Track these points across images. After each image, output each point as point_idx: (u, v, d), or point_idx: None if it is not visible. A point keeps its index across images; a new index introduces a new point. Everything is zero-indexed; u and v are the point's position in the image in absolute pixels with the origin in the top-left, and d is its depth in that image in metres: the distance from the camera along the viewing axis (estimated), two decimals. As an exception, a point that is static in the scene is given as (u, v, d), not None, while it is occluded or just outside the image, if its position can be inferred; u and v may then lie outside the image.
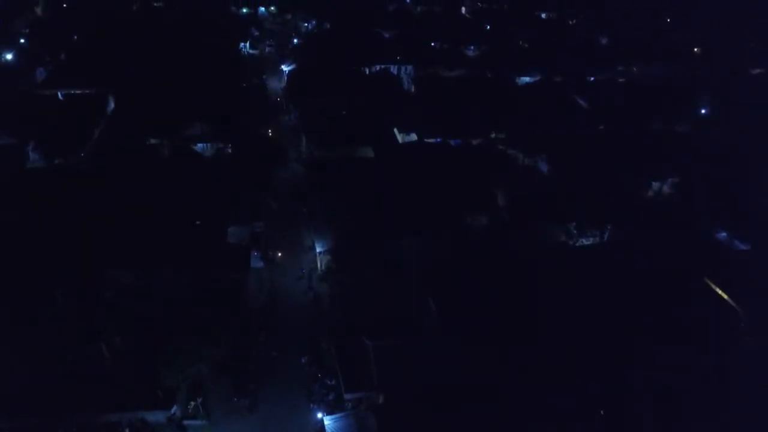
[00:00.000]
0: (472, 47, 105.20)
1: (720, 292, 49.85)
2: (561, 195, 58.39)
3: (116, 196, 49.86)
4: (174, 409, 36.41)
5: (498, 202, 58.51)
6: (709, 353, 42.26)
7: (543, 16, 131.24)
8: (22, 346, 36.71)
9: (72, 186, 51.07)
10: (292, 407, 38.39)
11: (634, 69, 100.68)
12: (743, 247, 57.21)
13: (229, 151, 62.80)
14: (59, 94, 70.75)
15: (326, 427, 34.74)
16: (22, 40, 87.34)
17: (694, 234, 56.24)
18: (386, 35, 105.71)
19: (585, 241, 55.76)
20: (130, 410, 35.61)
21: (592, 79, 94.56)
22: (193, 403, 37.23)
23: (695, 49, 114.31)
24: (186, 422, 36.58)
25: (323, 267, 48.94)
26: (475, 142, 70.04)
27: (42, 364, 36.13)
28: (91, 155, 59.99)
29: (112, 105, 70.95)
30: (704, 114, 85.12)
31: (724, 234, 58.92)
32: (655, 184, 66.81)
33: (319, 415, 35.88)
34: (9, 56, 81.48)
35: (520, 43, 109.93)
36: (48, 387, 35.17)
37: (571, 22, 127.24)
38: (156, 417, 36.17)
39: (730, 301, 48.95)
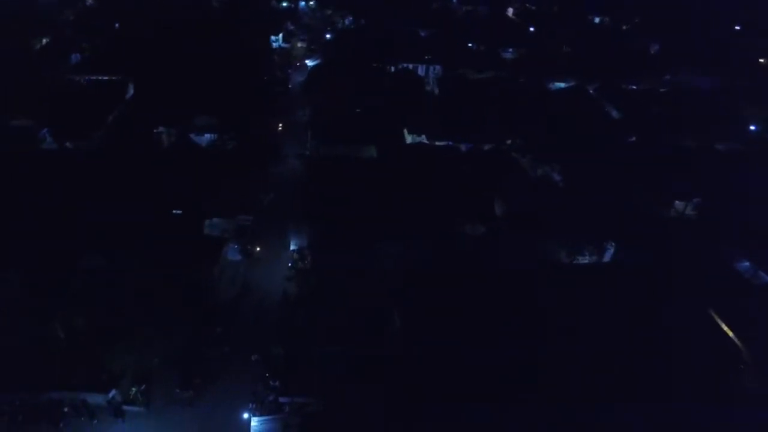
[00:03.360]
0: (510, 50, 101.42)
1: (724, 327, 45.28)
2: (565, 208, 54.90)
3: (107, 182, 51.13)
4: (113, 393, 36.67)
5: (495, 210, 55.69)
6: (697, 392, 38.52)
7: (596, 20, 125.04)
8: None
9: (68, 169, 52.78)
10: (232, 404, 37.80)
11: (683, 79, 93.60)
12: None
13: (233, 143, 63.06)
14: (85, 79, 73.48)
15: (251, 429, 33.91)
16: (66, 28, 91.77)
17: (707, 261, 51.39)
18: (423, 34, 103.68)
19: (582, 259, 52.02)
20: (69, 390, 36.17)
21: (633, 87, 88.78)
22: (135, 389, 37.49)
23: (760, 60, 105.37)
24: (125, 407, 36.86)
25: (292, 265, 48.09)
26: (486, 147, 67.13)
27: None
28: (102, 141, 61.83)
29: (131, 92, 72.92)
30: (752, 131, 78.00)
31: (747, 264, 53.55)
32: (679, 204, 61.72)
33: (246, 416, 35.08)
34: (50, 42, 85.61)
35: (564, 47, 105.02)
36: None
37: (624, 27, 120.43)
38: (96, 399, 36.62)
39: (734, 338, 44.35)
